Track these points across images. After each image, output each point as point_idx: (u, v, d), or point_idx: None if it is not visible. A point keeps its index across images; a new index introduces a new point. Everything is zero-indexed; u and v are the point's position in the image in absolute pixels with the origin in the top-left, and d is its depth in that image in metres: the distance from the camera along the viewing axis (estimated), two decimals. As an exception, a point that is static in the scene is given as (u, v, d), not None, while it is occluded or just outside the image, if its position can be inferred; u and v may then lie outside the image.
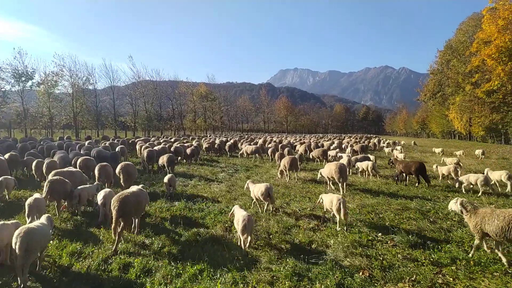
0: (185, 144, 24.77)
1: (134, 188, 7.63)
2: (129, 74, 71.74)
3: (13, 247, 5.08)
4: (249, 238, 6.31)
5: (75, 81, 52.62)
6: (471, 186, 11.63)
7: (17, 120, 49.90)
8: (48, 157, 15.91)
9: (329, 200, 7.98)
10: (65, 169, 11.54)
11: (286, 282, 5.16)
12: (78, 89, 52.92)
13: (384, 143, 37.49)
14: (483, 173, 12.37)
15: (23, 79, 45.92)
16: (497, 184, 12.17)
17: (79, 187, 9.24)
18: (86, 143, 23.40)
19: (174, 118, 76.20)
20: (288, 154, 19.42)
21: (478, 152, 24.77)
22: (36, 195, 7.82)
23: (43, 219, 6.12)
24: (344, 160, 15.65)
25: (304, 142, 29.97)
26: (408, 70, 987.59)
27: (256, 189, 9.17)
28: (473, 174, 11.71)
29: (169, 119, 76.24)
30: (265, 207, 9.26)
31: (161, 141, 28.57)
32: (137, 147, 22.37)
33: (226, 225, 7.98)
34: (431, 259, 5.87)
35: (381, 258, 5.95)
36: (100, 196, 8.30)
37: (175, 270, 5.63)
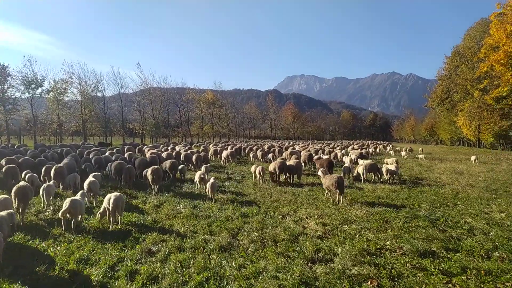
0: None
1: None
2: (137, 81, 72.94)
3: None
4: None
5: (84, 88, 53.21)
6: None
7: (26, 127, 50.59)
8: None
9: (328, 179, 11.13)
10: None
11: (293, 291, 5.11)
12: (87, 96, 53.48)
13: (392, 149, 37.31)
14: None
15: (33, 86, 46.64)
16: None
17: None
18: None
19: (181, 124, 76.57)
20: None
21: (472, 158, 25.77)
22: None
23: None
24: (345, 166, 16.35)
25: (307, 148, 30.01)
26: (416, 76, 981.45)
27: (327, 181, 11.38)
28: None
29: (177, 125, 76.64)
30: (337, 197, 11.11)
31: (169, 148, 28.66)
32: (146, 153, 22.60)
33: (233, 232, 7.95)
34: (441, 269, 5.77)
35: (389, 267, 5.86)
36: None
37: (181, 277, 5.60)
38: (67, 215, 7.94)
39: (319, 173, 13.18)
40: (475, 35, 51.48)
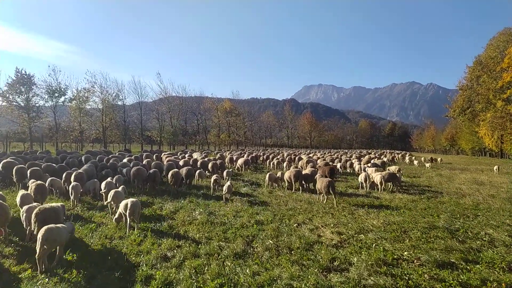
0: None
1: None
2: (157, 90, 74.04)
3: None
4: None
5: (105, 97, 54.65)
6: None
7: (49, 134, 52.09)
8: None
9: (321, 182, 12.56)
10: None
11: (307, 299, 5.05)
12: (108, 105, 54.86)
13: (412, 158, 36.68)
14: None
15: (56, 95, 48.19)
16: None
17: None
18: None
19: (198, 132, 77.35)
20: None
21: (494, 168, 26.14)
22: None
23: None
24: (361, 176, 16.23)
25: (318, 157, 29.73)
26: (436, 86, 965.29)
27: (319, 183, 12.68)
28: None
29: (194, 133, 77.46)
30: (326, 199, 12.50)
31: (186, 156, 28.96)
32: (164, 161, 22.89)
33: (248, 239, 7.95)
34: (460, 280, 5.61)
35: (406, 278, 5.74)
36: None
37: (195, 283, 5.62)
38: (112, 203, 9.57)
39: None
40: (498, 45, 50.55)
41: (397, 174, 16.24)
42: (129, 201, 8.57)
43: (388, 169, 20.56)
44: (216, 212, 10.75)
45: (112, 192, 9.99)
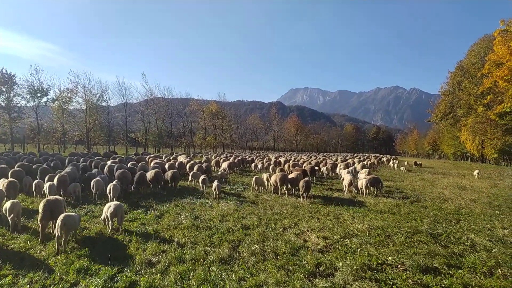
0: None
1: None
2: (142, 91, 72.69)
3: None
4: None
5: (89, 98, 53.71)
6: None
7: (30, 135, 50.95)
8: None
9: (275, 176, 15.09)
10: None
11: (293, 305, 5.06)
12: (91, 106, 53.92)
13: (395, 163, 37.19)
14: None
15: (39, 95, 47.17)
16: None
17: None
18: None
19: (184, 135, 76.84)
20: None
21: (475, 173, 26.42)
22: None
23: None
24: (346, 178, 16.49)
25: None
26: (419, 91, 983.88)
27: (274, 177, 15.03)
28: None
29: (180, 136, 76.93)
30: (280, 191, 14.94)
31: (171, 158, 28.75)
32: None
33: (234, 244, 7.92)
34: (443, 285, 5.71)
35: (391, 283, 5.81)
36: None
37: (181, 289, 5.57)
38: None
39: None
40: (478, 51, 51.81)
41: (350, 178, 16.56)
42: (112, 204, 8.64)
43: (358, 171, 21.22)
44: (202, 216, 10.69)
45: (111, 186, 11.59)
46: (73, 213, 7.86)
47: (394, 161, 38.21)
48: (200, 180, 15.83)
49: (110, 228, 8.68)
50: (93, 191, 12.78)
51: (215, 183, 14.26)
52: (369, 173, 19.59)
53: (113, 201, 10.48)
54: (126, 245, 7.74)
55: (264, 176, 16.81)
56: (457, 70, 58.28)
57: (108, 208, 8.62)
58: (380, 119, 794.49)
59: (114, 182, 12.44)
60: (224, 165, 23.61)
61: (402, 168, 30.47)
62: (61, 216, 7.33)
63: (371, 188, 15.63)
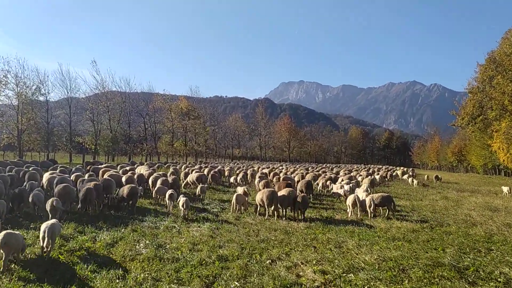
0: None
1: None
2: (92, 84, 71.57)
3: None
4: None
5: (22, 91, 52.49)
6: None
7: None
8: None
9: (261, 193, 15.23)
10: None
11: None
12: (25, 101, 52.69)
13: (411, 176, 37.57)
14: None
15: None
16: None
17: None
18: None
19: (146, 139, 76.12)
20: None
21: (505, 190, 26.57)
22: None
23: None
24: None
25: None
26: (441, 87, 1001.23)
27: (260, 195, 15.13)
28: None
29: (140, 141, 76.16)
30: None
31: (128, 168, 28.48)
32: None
33: (207, 280, 7.84)
34: (470, 332, 5.77)
35: (405, 330, 5.85)
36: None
37: None
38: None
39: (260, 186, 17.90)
40: (515, 39, 52.57)
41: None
42: (45, 223, 9.05)
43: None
44: (167, 245, 10.59)
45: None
46: (16, 231, 8.34)
47: (411, 174, 38.69)
48: (166, 196, 16.03)
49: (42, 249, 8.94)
50: (32, 206, 12.99)
51: (182, 198, 14.65)
52: (371, 185, 19.83)
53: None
54: (69, 280, 7.57)
55: (241, 190, 16.94)
56: (488, 63, 59.11)
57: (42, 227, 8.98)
58: (394, 122, 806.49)
59: (52, 199, 12.31)
60: (191, 177, 23.25)
61: (415, 182, 30.77)
62: (2, 234, 7.70)
63: (381, 208, 15.76)
